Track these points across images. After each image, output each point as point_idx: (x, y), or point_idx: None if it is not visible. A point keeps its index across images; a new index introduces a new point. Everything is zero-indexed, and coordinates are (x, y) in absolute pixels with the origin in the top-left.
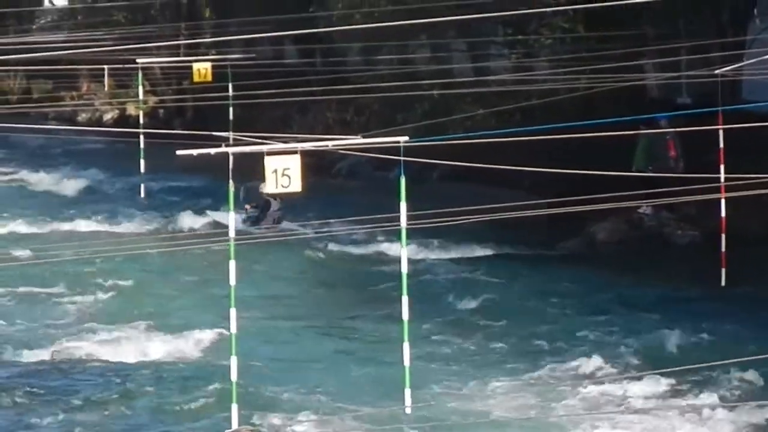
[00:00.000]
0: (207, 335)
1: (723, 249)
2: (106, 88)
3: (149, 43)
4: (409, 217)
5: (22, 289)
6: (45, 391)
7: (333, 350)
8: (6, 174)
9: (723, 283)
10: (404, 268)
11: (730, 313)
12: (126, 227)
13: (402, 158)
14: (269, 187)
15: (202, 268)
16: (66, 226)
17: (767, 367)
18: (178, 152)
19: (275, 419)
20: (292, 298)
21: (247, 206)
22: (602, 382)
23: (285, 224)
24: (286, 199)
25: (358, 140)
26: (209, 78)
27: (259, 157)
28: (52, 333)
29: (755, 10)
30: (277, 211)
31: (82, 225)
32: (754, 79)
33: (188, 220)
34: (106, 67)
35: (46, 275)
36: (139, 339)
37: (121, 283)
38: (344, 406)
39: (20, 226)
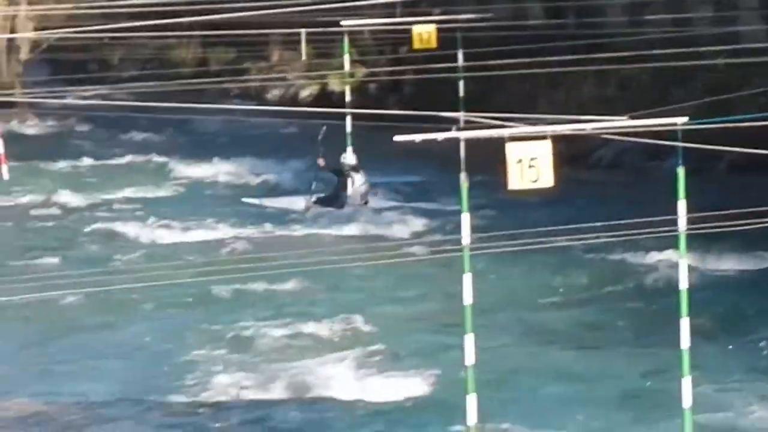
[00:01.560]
0: (435, 368)
1: None
2: (303, 58)
3: (358, 0)
4: (689, 219)
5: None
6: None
7: (590, 387)
8: (171, 165)
9: None
10: (683, 283)
11: None
12: (330, 232)
13: (680, 144)
14: (513, 182)
15: (418, 281)
16: (246, 229)
17: None
18: (396, 138)
19: None
20: (535, 319)
21: (321, 161)
22: None
23: (372, 203)
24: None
25: (623, 122)
26: (433, 44)
27: (498, 144)
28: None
29: None
30: (362, 185)
31: (271, 230)
32: None
33: (408, 223)
34: (302, 31)
35: (233, 293)
36: (352, 371)
37: (326, 302)
38: None
39: (205, 232)
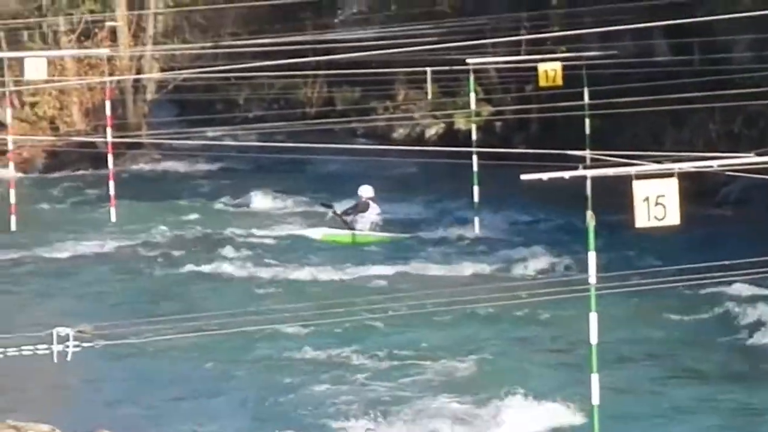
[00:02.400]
0: (559, 406)
1: None
2: (428, 96)
3: (483, 38)
4: None
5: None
6: None
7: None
8: (297, 206)
9: None
10: None
11: None
12: (456, 271)
13: None
14: (640, 219)
15: (543, 320)
16: (376, 270)
17: None
18: (523, 176)
19: None
20: (656, 359)
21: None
22: None
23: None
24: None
25: (749, 158)
26: (559, 82)
27: (624, 182)
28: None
29: None
30: (378, 215)
31: (398, 267)
32: None
33: (534, 262)
34: (428, 69)
35: (358, 329)
36: (482, 410)
37: (453, 339)
38: None
39: (324, 272)
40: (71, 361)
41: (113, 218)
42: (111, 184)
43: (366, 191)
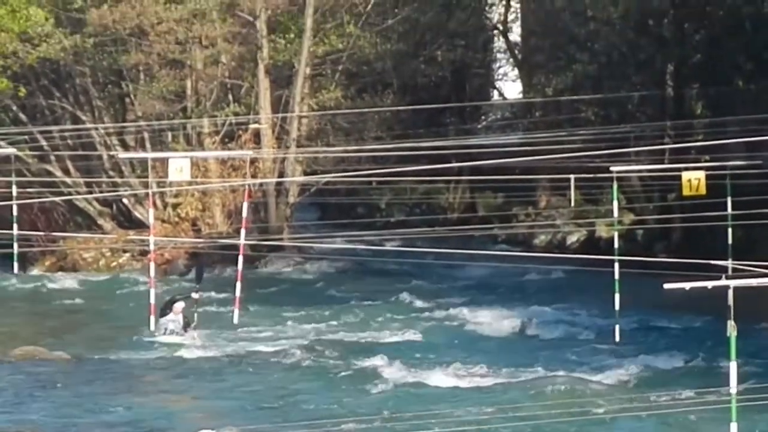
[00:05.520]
0: None
1: None
2: (571, 204)
3: (626, 146)
4: None
5: None
6: None
7: None
8: (437, 310)
9: None
10: None
11: None
12: (597, 379)
13: None
14: None
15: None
16: (521, 377)
17: None
18: (666, 285)
19: None
20: None
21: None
22: None
23: None
24: None
25: None
26: (702, 191)
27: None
28: None
29: None
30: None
31: (541, 375)
32: None
33: (676, 371)
34: (572, 176)
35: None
36: None
37: None
38: None
39: (467, 377)
40: None
41: (235, 320)
42: (238, 285)
43: (178, 308)
